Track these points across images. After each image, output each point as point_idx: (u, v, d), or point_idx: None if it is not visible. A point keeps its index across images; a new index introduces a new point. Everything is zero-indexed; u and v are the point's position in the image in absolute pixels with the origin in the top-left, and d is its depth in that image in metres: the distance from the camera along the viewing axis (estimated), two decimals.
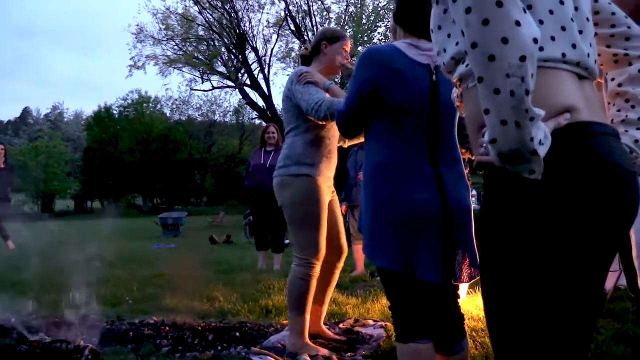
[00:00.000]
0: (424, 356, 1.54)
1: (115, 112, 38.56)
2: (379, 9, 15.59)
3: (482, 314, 2.95)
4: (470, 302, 3.29)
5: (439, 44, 0.98)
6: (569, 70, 0.85)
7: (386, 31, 15.26)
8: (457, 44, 0.92)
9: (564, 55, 0.84)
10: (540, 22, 0.84)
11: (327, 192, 2.45)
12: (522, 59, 0.71)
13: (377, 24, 15.52)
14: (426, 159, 1.55)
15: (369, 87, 1.56)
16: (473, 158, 3.15)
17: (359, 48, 15.09)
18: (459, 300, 1.72)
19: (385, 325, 2.78)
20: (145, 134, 34.44)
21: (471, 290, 3.59)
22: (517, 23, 0.71)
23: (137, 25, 18.05)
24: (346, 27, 15.72)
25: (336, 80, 14.23)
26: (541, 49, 0.82)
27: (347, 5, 16.21)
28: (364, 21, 15.45)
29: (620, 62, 1.03)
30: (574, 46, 0.85)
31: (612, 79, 1.04)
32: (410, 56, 1.55)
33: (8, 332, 2.79)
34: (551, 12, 0.85)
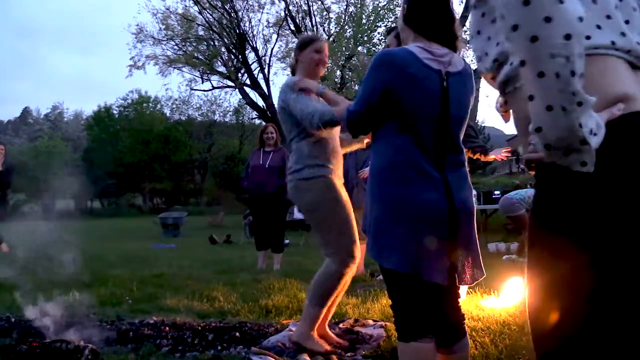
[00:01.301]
0: (425, 355, 1.55)
1: (115, 112, 38.51)
2: (379, 9, 15.58)
3: (482, 314, 2.95)
4: (470, 302, 3.30)
5: (479, 49, 0.95)
6: (621, 57, 0.80)
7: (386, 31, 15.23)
8: (497, 44, 0.89)
9: (613, 43, 0.80)
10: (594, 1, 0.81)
11: (342, 188, 2.46)
12: (568, 37, 0.67)
13: (377, 24, 15.51)
14: (432, 162, 1.56)
15: (382, 88, 1.57)
16: (475, 157, 3.13)
17: (359, 48, 15.09)
18: (460, 300, 1.73)
19: (385, 325, 2.78)
20: (145, 134, 34.41)
21: (471, 290, 3.59)
22: (560, 1, 0.67)
23: (137, 25, 18.06)
24: (346, 27, 15.73)
25: (335, 79, 14.23)
26: (588, 37, 0.78)
27: (347, 5, 16.21)
28: (364, 21, 15.43)
29: None
30: (622, 34, 0.81)
31: None
32: (424, 61, 1.56)
33: (8, 332, 2.79)
34: (594, 1, 0.82)
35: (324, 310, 2.42)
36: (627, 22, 0.84)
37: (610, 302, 0.74)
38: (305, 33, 16.21)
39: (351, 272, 2.41)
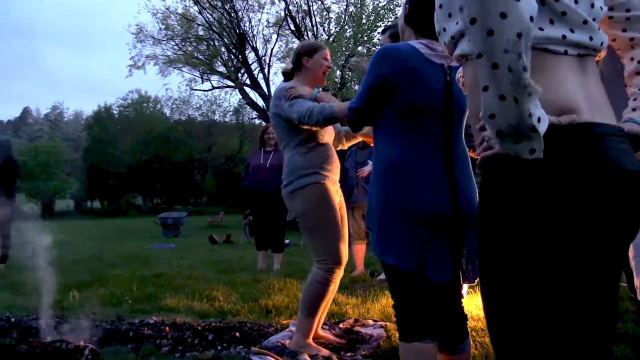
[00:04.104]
0: (427, 355, 1.54)
1: (115, 112, 38.57)
2: (379, 9, 15.56)
3: (482, 313, 2.94)
4: (470, 302, 3.29)
5: (439, 22, 0.99)
6: (571, 54, 0.84)
7: None
8: (457, 23, 0.93)
9: (564, 37, 0.84)
10: (542, 2, 0.83)
11: (336, 194, 2.47)
12: (519, 35, 0.71)
13: (377, 24, 15.49)
14: (440, 158, 1.55)
15: (383, 81, 1.56)
16: (475, 157, 3.13)
17: (359, 48, 15.08)
18: (462, 300, 1.72)
19: (385, 325, 2.78)
20: (145, 134, 34.43)
21: (471, 290, 3.58)
22: None
23: (137, 25, 18.06)
24: (346, 27, 15.71)
25: (335, 79, 14.23)
26: (541, 29, 0.82)
27: (347, 5, 16.19)
28: (364, 21, 15.41)
29: (637, 45, 1.02)
30: (571, 31, 0.85)
31: (632, 59, 1.02)
32: (426, 56, 1.55)
33: (8, 332, 2.79)
34: None
35: (316, 319, 2.43)
36: (585, 22, 0.86)
37: (556, 304, 0.79)
38: (306, 34, 16.23)
39: (339, 277, 2.43)
